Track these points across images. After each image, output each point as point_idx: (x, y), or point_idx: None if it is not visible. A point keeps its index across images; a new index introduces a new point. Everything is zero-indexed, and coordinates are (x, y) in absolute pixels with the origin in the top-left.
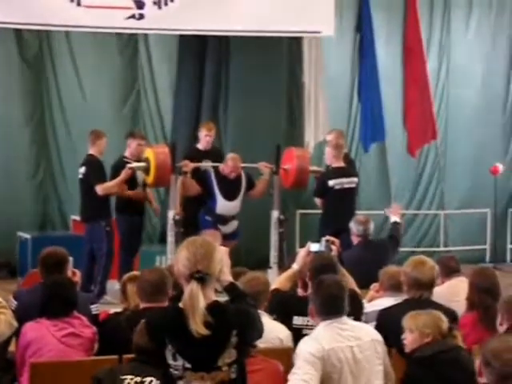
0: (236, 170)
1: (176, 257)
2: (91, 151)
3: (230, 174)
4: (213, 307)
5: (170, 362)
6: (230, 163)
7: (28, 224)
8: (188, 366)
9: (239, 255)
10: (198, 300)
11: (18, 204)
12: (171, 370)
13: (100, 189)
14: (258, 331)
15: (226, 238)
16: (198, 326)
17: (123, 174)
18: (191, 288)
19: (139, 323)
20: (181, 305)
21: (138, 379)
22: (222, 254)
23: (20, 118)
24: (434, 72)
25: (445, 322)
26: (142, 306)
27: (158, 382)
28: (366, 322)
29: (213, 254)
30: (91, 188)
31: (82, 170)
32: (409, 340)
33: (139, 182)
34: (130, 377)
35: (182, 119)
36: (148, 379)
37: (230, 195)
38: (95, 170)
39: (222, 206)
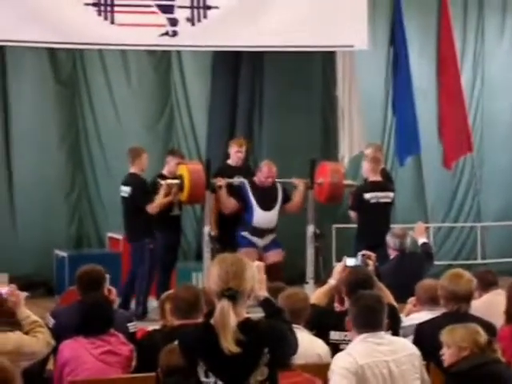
0: (272, 176)
1: (208, 274)
2: (132, 170)
3: (266, 181)
4: (244, 325)
5: (203, 379)
6: (265, 169)
7: (64, 242)
8: (220, 383)
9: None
10: (228, 318)
11: (55, 222)
12: None
13: (151, 208)
14: (291, 348)
15: (267, 249)
16: (228, 344)
17: (164, 189)
18: (222, 305)
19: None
20: (212, 322)
21: None
22: (253, 271)
23: (55, 137)
24: (469, 83)
25: (482, 336)
26: (177, 323)
27: None
28: (404, 335)
29: (244, 272)
30: (137, 208)
31: (127, 189)
32: (446, 355)
33: (174, 200)
34: None
35: (216, 135)
36: None
37: (266, 205)
38: (142, 190)
39: (259, 217)
